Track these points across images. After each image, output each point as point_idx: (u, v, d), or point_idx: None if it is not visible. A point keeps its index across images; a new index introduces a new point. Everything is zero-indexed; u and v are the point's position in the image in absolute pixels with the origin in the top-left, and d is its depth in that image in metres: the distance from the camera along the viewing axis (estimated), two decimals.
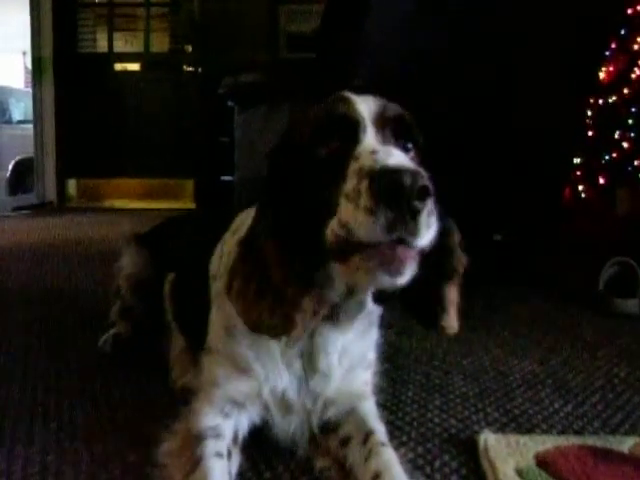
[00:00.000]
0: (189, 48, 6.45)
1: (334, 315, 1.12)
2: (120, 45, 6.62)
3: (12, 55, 11.74)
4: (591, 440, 1.30)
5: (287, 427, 1.21)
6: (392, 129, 1.01)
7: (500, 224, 3.06)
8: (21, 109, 9.26)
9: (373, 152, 0.91)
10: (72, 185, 6.65)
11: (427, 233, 0.87)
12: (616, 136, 3.88)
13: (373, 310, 1.23)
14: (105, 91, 6.43)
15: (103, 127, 6.36)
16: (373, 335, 1.29)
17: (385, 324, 1.34)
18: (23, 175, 7.77)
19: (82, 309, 2.33)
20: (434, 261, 0.99)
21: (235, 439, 1.16)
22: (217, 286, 1.25)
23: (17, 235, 4.35)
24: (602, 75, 3.88)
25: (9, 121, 8.87)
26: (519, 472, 1.15)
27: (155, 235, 1.93)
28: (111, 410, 1.45)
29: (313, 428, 1.21)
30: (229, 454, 1.12)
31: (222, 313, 1.21)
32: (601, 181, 3.90)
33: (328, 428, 1.24)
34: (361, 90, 1.09)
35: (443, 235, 0.98)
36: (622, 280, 2.47)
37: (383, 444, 1.14)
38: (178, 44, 6.54)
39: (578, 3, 2.88)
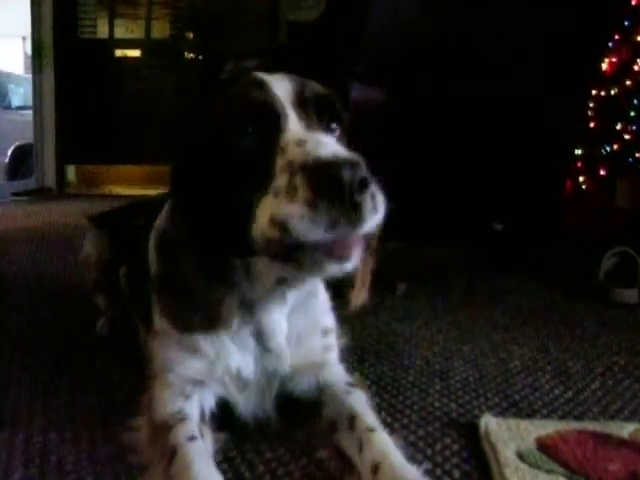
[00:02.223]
0: (190, 35, 6.43)
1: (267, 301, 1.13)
2: (121, 31, 6.58)
3: (11, 40, 11.68)
4: (591, 425, 1.31)
5: (247, 404, 1.19)
6: (314, 110, 0.97)
7: (501, 214, 3.06)
8: (20, 95, 9.21)
9: (300, 143, 0.87)
10: (71, 171, 6.63)
11: (373, 218, 0.85)
12: (618, 128, 3.87)
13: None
14: (105, 77, 6.41)
15: (103, 113, 6.34)
16: (320, 301, 1.26)
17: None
18: (22, 161, 7.73)
19: (80, 293, 2.32)
20: None
21: (202, 418, 1.14)
22: None
23: (16, 220, 4.35)
24: (605, 66, 3.87)
25: (8, 107, 8.82)
26: (520, 455, 1.15)
27: (114, 218, 1.90)
28: (111, 391, 1.45)
29: (269, 406, 1.21)
30: (201, 435, 1.09)
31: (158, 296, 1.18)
32: (602, 172, 3.89)
33: (306, 408, 1.23)
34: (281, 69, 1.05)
35: None
36: (622, 270, 2.47)
37: (371, 429, 1.10)
38: (179, 31, 6.52)
39: None
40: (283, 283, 1.08)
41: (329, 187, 0.79)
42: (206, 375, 1.15)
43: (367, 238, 0.90)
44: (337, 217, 0.80)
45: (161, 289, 1.08)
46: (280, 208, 0.83)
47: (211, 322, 1.03)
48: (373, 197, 0.84)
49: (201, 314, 1.03)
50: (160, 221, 1.20)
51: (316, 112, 0.97)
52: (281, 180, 0.85)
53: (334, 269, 0.87)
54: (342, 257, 0.86)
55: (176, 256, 1.03)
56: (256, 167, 0.89)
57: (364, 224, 0.83)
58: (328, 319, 1.28)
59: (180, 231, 1.03)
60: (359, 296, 1.12)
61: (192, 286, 1.01)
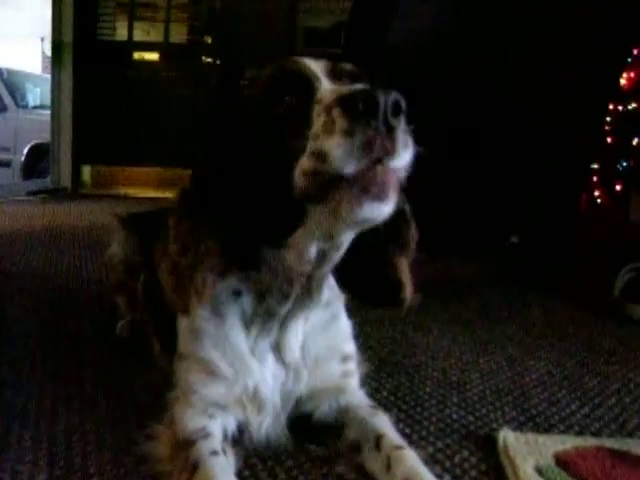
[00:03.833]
0: (208, 39, 6.46)
1: (306, 292, 1.11)
2: (139, 34, 6.62)
3: (30, 40, 11.78)
4: (609, 442, 1.31)
5: (261, 428, 1.17)
6: (348, 80, 1.00)
7: (517, 226, 3.06)
8: (37, 94, 9.31)
9: (334, 91, 0.91)
10: (86, 171, 6.66)
11: (405, 153, 0.86)
12: (634, 143, 3.87)
13: (332, 300, 1.22)
14: (123, 79, 6.44)
15: (120, 115, 6.37)
16: (342, 326, 1.27)
17: (356, 313, 1.32)
18: (38, 160, 7.81)
19: (98, 294, 2.34)
20: (386, 230, 0.98)
21: (225, 438, 1.14)
22: None
23: (31, 219, 4.37)
24: (623, 81, 3.87)
25: (25, 106, 8.91)
26: (539, 470, 1.16)
27: (144, 221, 1.87)
28: (132, 395, 1.46)
29: (284, 428, 1.19)
30: (224, 452, 1.09)
31: (187, 317, 1.18)
32: (617, 187, 3.89)
33: (327, 430, 1.23)
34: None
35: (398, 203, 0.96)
36: (638, 286, 2.47)
37: (400, 447, 1.11)
38: (197, 35, 6.55)
39: (601, 9, 2.88)
40: (323, 260, 1.04)
41: (364, 109, 0.82)
42: (227, 399, 1.14)
43: (400, 177, 0.90)
44: (372, 139, 0.81)
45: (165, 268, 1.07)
46: (318, 143, 0.86)
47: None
48: (405, 132, 0.86)
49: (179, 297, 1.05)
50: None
51: (350, 82, 1.00)
52: (318, 125, 0.87)
53: (371, 210, 0.87)
54: (379, 195, 0.86)
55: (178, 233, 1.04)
56: (295, 124, 0.91)
57: (398, 152, 0.84)
58: (349, 345, 1.28)
59: (188, 207, 1.05)
60: (410, 292, 1.12)
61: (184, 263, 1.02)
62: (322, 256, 1.03)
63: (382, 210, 0.88)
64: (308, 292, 1.11)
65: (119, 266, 1.84)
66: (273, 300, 1.10)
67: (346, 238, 1.02)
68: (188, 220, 1.03)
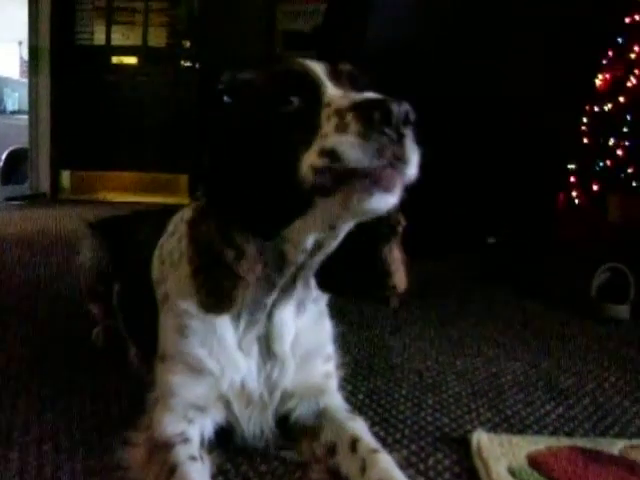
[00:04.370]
0: (187, 43, 6.44)
1: (292, 283, 1.12)
2: (118, 38, 6.58)
3: (7, 45, 11.65)
4: (582, 442, 1.32)
5: (250, 421, 1.18)
6: (348, 82, 1.03)
7: (494, 227, 3.08)
8: (15, 99, 9.20)
9: (345, 96, 0.94)
10: (66, 177, 6.60)
11: (413, 160, 0.89)
12: (610, 143, 3.90)
13: (319, 298, 1.24)
14: (102, 84, 6.38)
15: (98, 120, 6.31)
16: (326, 326, 1.29)
17: (335, 315, 1.32)
18: (16, 165, 7.72)
19: (75, 299, 2.32)
20: (370, 224, 1.02)
21: (202, 443, 1.14)
22: (163, 290, 1.22)
23: (9, 225, 4.32)
24: (598, 83, 3.89)
25: (3, 111, 8.81)
26: (512, 471, 1.16)
27: (115, 227, 1.87)
28: (105, 402, 1.45)
29: (270, 421, 1.20)
30: (201, 458, 1.10)
31: (172, 315, 1.18)
32: (595, 188, 3.91)
33: (304, 432, 1.23)
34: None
35: None
36: (614, 286, 2.49)
37: (375, 451, 1.11)
38: (176, 39, 6.53)
39: (576, 11, 2.91)
40: (319, 249, 1.05)
41: (380, 118, 0.85)
42: (209, 398, 1.15)
43: (406, 181, 0.92)
44: (385, 145, 0.85)
45: (192, 273, 1.06)
46: (329, 141, 0.89)
47: (222, 305, 1.04)
48: (413, 141, 0.89)
49: (214, 296, 1.04)
50: (174, 230, 1.25)
51: (350, 84, 1.02)
52: (328, 126, 0.90)
53: (379, 201, 0.89)
54: (388, 187, 0.89)
55: (202, 235, 1.04)
56: (302, 124, 0.94)
57: (407, 158, 0.88)
58: (330, 346, 1.29)
59: (211, 209, 1.05)
60: (402, 279, 1.14)
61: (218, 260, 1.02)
62: (318, 246, 1.05)
63: (389, 201, 0.91)
64: (293, 282, 1.12)
65: (90, 272, 1.82)
66: (260, 290, 1.10)
67: (345, 228, 1.03)
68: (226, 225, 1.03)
